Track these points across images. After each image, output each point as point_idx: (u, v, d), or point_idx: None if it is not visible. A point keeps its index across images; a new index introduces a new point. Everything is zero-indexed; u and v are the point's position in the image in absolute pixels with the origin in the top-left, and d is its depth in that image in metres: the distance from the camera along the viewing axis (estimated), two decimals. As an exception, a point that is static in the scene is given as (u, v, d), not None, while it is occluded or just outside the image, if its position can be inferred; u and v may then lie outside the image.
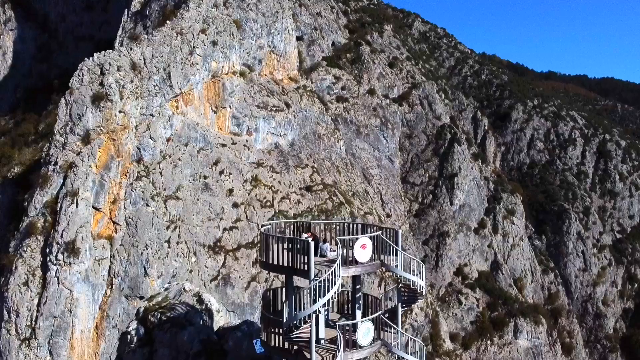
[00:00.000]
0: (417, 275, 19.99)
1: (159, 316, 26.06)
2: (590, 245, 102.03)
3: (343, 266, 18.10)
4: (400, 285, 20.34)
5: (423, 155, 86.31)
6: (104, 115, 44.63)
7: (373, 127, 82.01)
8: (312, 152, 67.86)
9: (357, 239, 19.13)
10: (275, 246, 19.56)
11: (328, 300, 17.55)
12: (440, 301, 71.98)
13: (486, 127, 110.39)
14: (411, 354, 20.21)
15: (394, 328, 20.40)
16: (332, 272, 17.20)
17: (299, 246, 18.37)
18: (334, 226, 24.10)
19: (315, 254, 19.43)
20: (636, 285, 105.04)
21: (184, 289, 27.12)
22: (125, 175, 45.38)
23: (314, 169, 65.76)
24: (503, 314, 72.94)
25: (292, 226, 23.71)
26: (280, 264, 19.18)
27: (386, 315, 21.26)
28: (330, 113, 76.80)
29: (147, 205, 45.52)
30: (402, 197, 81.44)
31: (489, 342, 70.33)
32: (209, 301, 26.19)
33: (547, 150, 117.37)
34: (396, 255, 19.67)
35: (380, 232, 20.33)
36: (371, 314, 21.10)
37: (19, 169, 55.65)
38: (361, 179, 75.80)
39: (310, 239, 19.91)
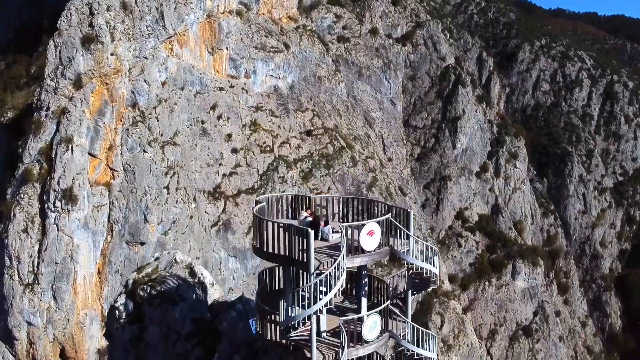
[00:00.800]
0: (430, 262, 18.00)
1: (148, 290, 24.06)
2: (592, 188, 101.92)
3: (347, 256, 16.28)
4: (411, 272, 18.21)
5: (426, 97, 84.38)
6: (95, 58, 42.97)
7: (375, 69, 79.63)
8: (313, 95, 66.19)
9: (363, 225, 16.90)
10: (270, 229, 17.38)
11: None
12: (440, 244, 72.61)
13: (491, 68, 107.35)
14: (422, 347, 18.17)
15: (404, 318, 18.52)
16: (335, 266, 15.44)
17: (297, 236, 16.36)
18: (337, 201, 21.84)
19: (316, 238, 17.45)
20: (634, 227, 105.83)
21: (175, 260, 25.58)
22: (121, 121, 44.30)
23: (315, 113, 64.39)
24: (502, 256, 73.79)
25: (289, 198, 21.53)
26: (276, 251, 17.15)
27: (394, 301, 19.53)
28: (331, 54, 74.30)
29: (144, 151, 44.73)
30: (404, 141, 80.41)
31: (486, 283, 71.57)
32: (202, 274, 24.54)
33: (553, 92, 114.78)
34: (407, 239, 17.74)
35: (390, 214, 18.31)
36: (378, 299, 19.55)
37: (12, 114, 54.44)
38: (362, 122, 74.47)
39: (309, 218, 18.27)
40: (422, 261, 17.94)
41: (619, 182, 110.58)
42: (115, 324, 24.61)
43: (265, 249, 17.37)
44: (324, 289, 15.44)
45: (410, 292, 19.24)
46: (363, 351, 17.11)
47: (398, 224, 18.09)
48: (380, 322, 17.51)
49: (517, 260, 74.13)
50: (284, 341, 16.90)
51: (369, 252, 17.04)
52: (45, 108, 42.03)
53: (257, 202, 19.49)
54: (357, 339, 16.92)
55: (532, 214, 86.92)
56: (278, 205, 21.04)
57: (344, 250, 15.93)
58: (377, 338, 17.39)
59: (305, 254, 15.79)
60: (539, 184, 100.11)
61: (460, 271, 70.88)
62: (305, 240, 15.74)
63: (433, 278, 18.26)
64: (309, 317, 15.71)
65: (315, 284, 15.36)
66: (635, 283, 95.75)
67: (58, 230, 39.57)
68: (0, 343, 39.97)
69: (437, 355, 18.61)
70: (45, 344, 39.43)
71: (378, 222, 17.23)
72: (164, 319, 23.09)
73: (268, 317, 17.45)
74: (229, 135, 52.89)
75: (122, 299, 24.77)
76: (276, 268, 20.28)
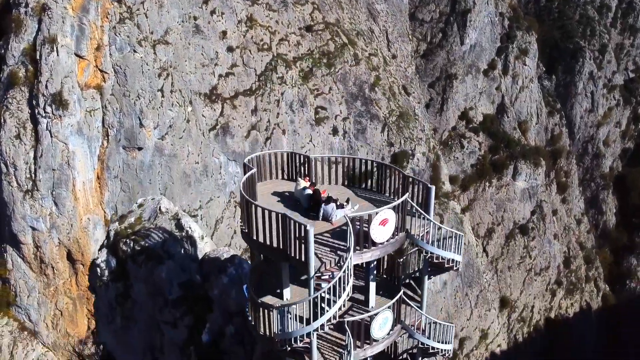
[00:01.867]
0: (454, 249, 15.58)
1: (132, 244, 21.85)
2: (601, 86, 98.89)
3: (355, 251, 13.87)
4: (428, 256, 15.92)
5: (435, -13, 78.65)
6: (72, -54, 38.88)
7: (381, -45, 73.22)
8: (313, -14, 61.37)
9: (375, 213, 14.14)
10: (260, 215, 14.43)
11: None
12: (443, 145, 71.84)
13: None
14: (437, 339, 16.17)
15: (418, 310, 16.64)
16: (340, 277, 13.11)
17: (293, 229, 13.49)
18: (341, 164, 19.11)
19: (316, 217, 15.30)
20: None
21: (160, 209, 23.79)
22: (107, 18, 41.20)
23: (315, 6, 60.11)
24: (504, 157, 73.30)
25: (285, 156, 18.67)
26: (268, 242, 14.47)
27: (406, 281, 17.50)
28: (333, -62, 67.76)
29: (135, 51, 42.18)
30: (410, 36, 76.24)
31: (487, 184, 71.86)
32: (190, 227, 22.81)
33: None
34: (427, 221, 15.38)
35: (407, 193, 15.54)
36: (387, 276, 17.32)
37: (-8, 9, 50.69)
38: (366, 15, 70.00)
39: (308, 190, 16.06)
40: (444, 248, 15.39)
41: (629, 79, 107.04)
42: (97, 281, 22.85)
43: (254, 237, 14.84)
44: (328, 296, 13.27)
45: (426, 277, 16.99)
46: (371, 351, 15.17)
47: (418, 208, 15.31)
48: (392, 317, 15.41)
49: (519, 161, 73.77)
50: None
51: (380, 244, 14.55)
52: (23, 4, 38.86)
53: (245, 167, 16.96)
54: (364, 336, 14.89)
55: (537, 113, 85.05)
56: (271, 165, 18.63)
57: (351, 254, 13.36)
58: (388, 333, 15.52)
59: (303, 253, 13.35)
60: (547, 81, 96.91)
61: (462, 172, 70.81)
62: (303, 237, 13.12)
63: (456, 267, 16.03)
64: (309, 334, 13.57)
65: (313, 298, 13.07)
66: (634, 181, 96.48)
67: (51, 136, 38.48)
68: (8, 247, 40.76)
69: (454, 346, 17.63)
70: (51, 248, 40.18)
71: (394, 208, 14.41)
72: (149, 278, 21.21)
73: (262, 313, 15.04)
74: (224, 33, 49.68)
75: (103, 255, 23.30)
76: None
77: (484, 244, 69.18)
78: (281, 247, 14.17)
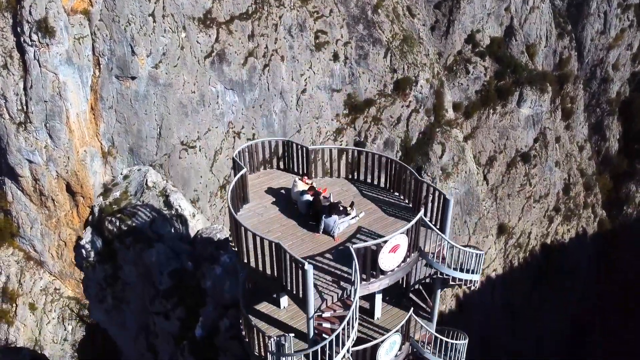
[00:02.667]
0: (473, 266, 14.04)
1: (118, 224, 20.37)
2: (615, 5, 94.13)
3: (361, 283, 12.44)
4: (444, 277, 14.44)
5: None
6: None
7: None
8: None
9: (385, 242, 12.44)
10: (250, 240, 12.63)
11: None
12: (447, 70, 69.54)
13: None
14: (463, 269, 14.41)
15: (428, 330, 15.14)
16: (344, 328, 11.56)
17: (289, 262, 11.98)
18: (344, 157, 16.88)
19: (316, 229, 13.87)
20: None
21: (147, 183, 22.31)
22: None
23: None
24: (510, 82, 71.20)
25: (280, 144, 16.78)
26: (260, 267, 12.83)
27: (415, 287, 15.72)
28: None
29: (122, -28, 39.45)
30: (416, -48, 71.40)
31: (491, 111, 70.37)
32: (180, 205, 21.44)
33: None
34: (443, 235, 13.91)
35: (422, 209, 13.73)
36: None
37: None
38: None
39: (308, 196, 14.36)
40: (460, 269, 13.67)
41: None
42: (84, 262, 21.51)
43: (245, 260, 13.16)
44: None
45: (438, 290, 15.49)
46: None
47: (433, 227, 13.52)
48: (400, 340, 14.04)
49: (524, 87, 71.75)
50: None
51: (390, 271, 13.04)
52: None
53: (235, 163, 15.08)
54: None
55: (547, 35, 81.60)
56: (264, 154, 16.64)
57: (357, 299, 11.77)
58: (395, 356, 14.24)
59: (301, 289, 11.86)
60: (560, 0, 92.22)
61: (466, 99, 69.11)
62: (302, 275, 11.53)
63: (474, 286, 14.54)
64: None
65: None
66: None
67: (40, 66, 36.91)
68: (7, 179, 40.48)
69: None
70: (49, 181, 39.90)
71: (407, 232, 12.67)
72: (139, 260, 19.97)
73: (257, 334, 13.71)
74: (217, -50, 46.32)
75: (88, 235, 21.96)
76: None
77: (484, 172, 68.99)
78: (276, 276, 12.69)
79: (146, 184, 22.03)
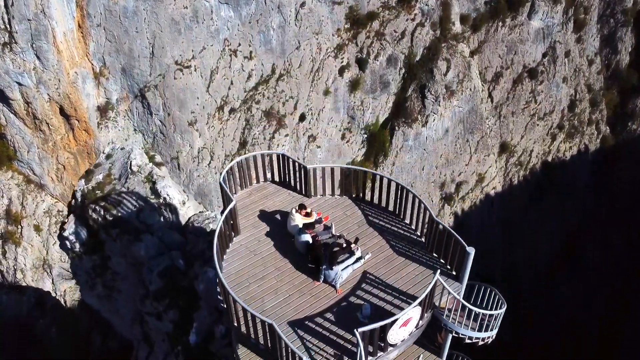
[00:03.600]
0: (490, 326, 12.68)
1: (102, 212, 19.05)
2: None
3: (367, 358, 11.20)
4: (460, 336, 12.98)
5: None
6: None
7: None
8: None
9: (395, 320, 11.12)
10: (240, 314, 11.10)
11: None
12: (456, -21, 65.18)
13: None
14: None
15: None
16: None
17: (284, 350, 10.60)
18: (349, 177, 14.60)
19: (316, 276, 12.50)
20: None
21: (131, 167, 20.33)
22: None
23: None
24: (522, -8, 67.17)
25: (275, 159, 14.49)
26: (253, 336, 11.42)
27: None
28: None
29: None
30: None
31: (500, 23, 66.99)
32: (168, 194, 19.73)
33: None
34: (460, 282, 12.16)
35: (438, 267, 11.89)
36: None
37: None
38: None
39: (306, 236, 12.78)
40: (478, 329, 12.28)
41: None
42: (70, 253, 20.90)
43: (235, 324, 11.85)
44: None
45: (450, 335, 14.17)
46: None
47: (450, 290, 12.09)
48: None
49: (537, -4, 67.80)
50: None
51: (400, 342, 11.79)
52: None
53: (222, 190, 13.03)
54: None
55: (564, -62, 75.66)
56: (257, 169, 14.46)
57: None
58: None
59: None
60: None
61: (474, 10, 65.49)
62: None
63: (489, 342, 13.33)
64: None
65: None
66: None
67: (19, -19, 34.37)
68: (-3, 102, 39.33)
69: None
70: (41, 104, 38.77)
71: (421, 303, 11.40)
72: (127, 252, 19.34)
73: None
74: None
75: (71, 225, 20.56)
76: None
77: (490, 89, 67.17)
78: (270, 348, 11.42)
79: (130, 167, 20.58)
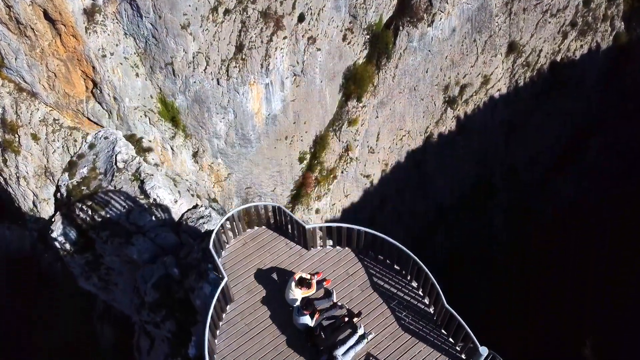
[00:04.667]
0: None
1: (90, 212, 16.98)
2: None
3: None
4: None
5: None
6: None
7: None
8: None
9: None
10: None
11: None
12: None
13: None
14: None
15: None
16: None
17: None
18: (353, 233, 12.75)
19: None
20: None
21: (117, 163, 17.84)
22: None
23: None
24: None
25: (270, 210, 12.61)
26: None
27: None
28: None
29: None
30: None
31: None
32: (158, 195, 17.56)
33: None
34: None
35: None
36: None
37: None
38: None
39: (305, 316, 11.50)
40: None
41: None
42: (61, 251, 19.31)
43: None
44: None
45: None
46: None
47: None
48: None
49: None
50: None
51: None
52: None
53: (211, 259, 11.55)
54: None
55: None
56: (251, 218, 12.62)
57: None
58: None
59: None
60: None
61: None
62: None
63: None
64: None
65: None
66: None
67: None
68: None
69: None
70: (24, 8, 36.53)
71: None
72: (121, 253, 17.27)
73: None
74: None
75: (58, 226, 18.66)
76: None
77: (502, -17, 62.88)
78: None
79: (116, 163, 18.82)
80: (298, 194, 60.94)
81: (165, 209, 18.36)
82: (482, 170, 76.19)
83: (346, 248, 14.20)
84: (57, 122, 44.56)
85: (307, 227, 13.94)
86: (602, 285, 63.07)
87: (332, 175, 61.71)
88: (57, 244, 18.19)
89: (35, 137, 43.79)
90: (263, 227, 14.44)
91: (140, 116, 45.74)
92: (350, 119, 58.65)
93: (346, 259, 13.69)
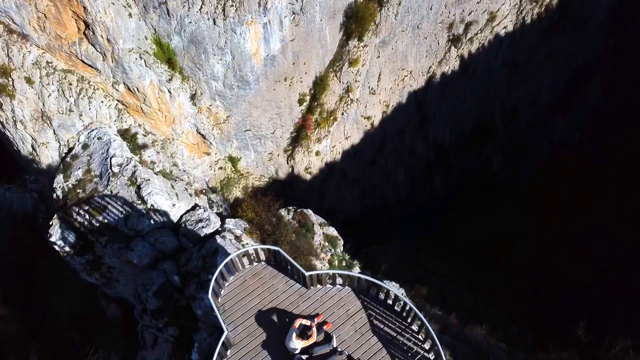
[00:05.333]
0: None
1: (87, 217, 17.23)
2: None
3: None
4: None
5: None
6: None
7: None
8: None
9: None
10: None
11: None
12: None
13: None
14: None
15: None
16: None
17: None
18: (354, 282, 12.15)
19: None
20: None
21: (112, 168, 16.51)
22: None
23: None
24: None
25: (269, 254, 12.03)
26: None
27: None
28: None
29: None
30: None
31: None
32: (155, 202, 16.46)
33: None
34: None
35: None
36: None
37: None
38: None
39: None
40: None
41: None
42: (61, 252, 18.46)
43: None
44: None
45: None
46: None
47: None
48: None
49: None
50: None
51: None
52: None
53: (212, 309, 11.34)
54: None
55: None
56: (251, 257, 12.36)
57: None
58: None
59: None
60: None
61: None
62: None
63: None
64: None
65: None
66: None
67: None
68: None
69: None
70: (7, -57, 34.54)
71: None
72: (122, 256, 17.37)
73: None
74: None
75: (57, 230, 17.58)
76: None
77: None
78: None
79: (111, 167, 17.91)
80: (298, 137, 60.51)
81: (164, 213, 18.39)
82: (483, 111, 75.35)
83: (346, 287, 13.99)
84: (50, 65, 43.45)
85: (306, 274, 13.74)
86: (598, 229, 63.91)
87: (332, 117, 61.01)
88: (56, 247, 18.29)
89: (29, 81, 42.86)
90: (263, 263, 14.19)
91: (136, 58, 44.55)
92: (351, 59, 57.19)
93: (346, 299, 13.47)
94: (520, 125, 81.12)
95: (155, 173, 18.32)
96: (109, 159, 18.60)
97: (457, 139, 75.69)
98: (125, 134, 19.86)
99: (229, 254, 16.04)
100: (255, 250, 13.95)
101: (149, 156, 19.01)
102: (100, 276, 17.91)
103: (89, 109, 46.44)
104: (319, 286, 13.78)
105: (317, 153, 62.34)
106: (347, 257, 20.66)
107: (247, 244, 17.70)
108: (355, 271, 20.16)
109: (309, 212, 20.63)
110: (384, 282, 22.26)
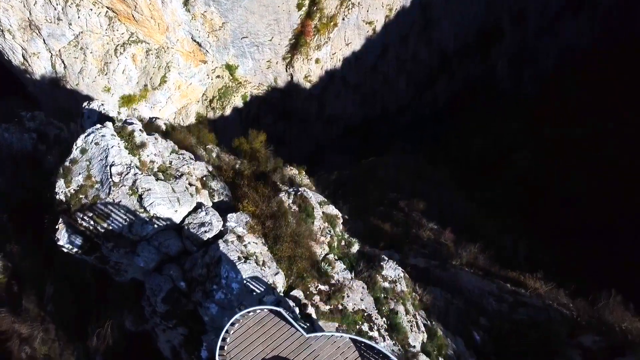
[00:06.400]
0: None
1: (92, 223, 17.61)
2: None
3: None
4: None
5: None
6: None
7: None
8: None
9: None
10: None
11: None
12: None
13: None
14: None
15: None
16: None
17: None
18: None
19: None
20: None
21: (112, 177, 15.20)
22: None
23: None
24: None
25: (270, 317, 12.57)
26: None
27: None
28: None
29: None
30: None
31: None
32: (157, 212, 17.05)
33: None
34: None
35: None
36: None
37: None
38: None
39: None
40: None
41: None
42: (70, 252, 18.96)
43: None
44: None
45: None
46: None
47: None
48: None
49: None
50: None
51: None
52: None
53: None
54: None
55: None
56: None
57: None
58: None
59: None
60: None
61: None
62: None
63: None
64: None
65: None
66: None
67: None
68: None
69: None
70: None
71: None
72: (130, 260, 18.16)
73: None
74: None
75: (64, 235, 17.31)
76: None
77: None
78: None
79: (111, 175, 17.25)
80: (297, 44, 58.33)
81: (167, 219, 18.87)
82: (489, 14, 71.96)
83: (344, 335, 14.91)
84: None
85: (307, 336, 14.50)
86: (603, 142, 62.99)
87: (332, 23, 58.38)
88: (64, 249, 18.64)
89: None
90: (266, 310, 15.11)
91: (123, -39, 41.75)
92: (353, -41, 53.59)
93: (344, 348, 14.27)
94: (527, 29, 77.89)
95: (156, 180, 18.82)
96: (108, 167, 18.85)
97: (462, 44, 73.09)
98: (122, 132, 19.71)
99: (232, 261, 17.51)
100: (255, 313, 14.84)
101: (147, 155, 19.06)
102: (109, 267, 19.06)
103: (78, 17, 44.37)
104: (319, 334, 14.79)
105: (317, 60, 60.53)
106: (346, 236, 21.55)
107: (249, 242, 18.55)
108: (355, 248, 21.29)
109: (309, 193, 21.41)
110: (384, 251, 24.00)
